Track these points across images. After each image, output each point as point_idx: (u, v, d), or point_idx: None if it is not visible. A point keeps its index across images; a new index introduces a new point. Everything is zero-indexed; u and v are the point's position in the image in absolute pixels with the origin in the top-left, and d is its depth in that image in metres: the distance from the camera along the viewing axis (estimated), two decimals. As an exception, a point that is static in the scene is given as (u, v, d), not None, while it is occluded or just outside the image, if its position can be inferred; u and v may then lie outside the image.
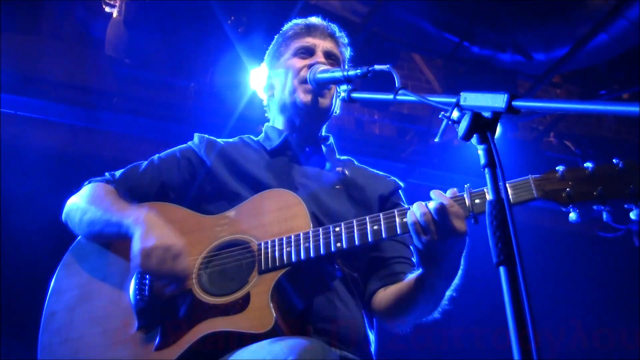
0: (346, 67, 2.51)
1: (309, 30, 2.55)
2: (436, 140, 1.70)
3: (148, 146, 6.60)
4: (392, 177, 2.56)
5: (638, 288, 6.99)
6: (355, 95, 2.10)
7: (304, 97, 2.40)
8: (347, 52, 2.62)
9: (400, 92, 1.83)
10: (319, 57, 2.46)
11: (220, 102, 6.44)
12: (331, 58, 2.50)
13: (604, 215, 1.79)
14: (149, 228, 2.10)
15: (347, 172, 2.48)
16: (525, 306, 1.25)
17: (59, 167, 5.95)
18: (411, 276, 2.19)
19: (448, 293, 2.18)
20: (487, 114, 1.44)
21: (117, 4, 5.56)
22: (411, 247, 2.34)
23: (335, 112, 2.56)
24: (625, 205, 1.75)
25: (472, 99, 1.48)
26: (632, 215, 1.71)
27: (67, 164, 6.07)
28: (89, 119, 6.25)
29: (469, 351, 6.72)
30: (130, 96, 6.26)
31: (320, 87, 2.36)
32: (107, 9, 5.65)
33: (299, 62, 2.47)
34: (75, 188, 2.43)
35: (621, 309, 7.58)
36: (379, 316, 2.34)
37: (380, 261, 2.35)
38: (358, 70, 2.09)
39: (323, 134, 2.60)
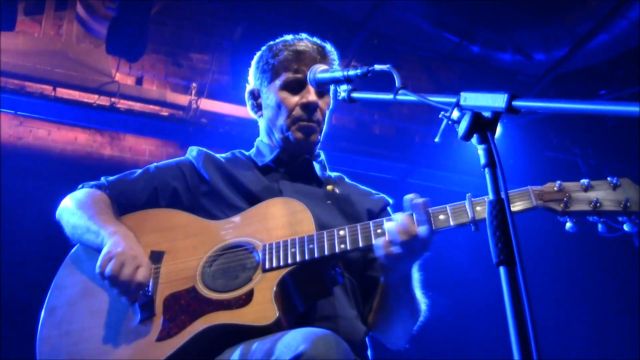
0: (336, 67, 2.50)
1: (299, 56, 2.47)
2: (436, 140, 1.68)
3: (148, 146, 6.60)
4: (381, 194, 2.59)
5: (638, 288, 6.99)
6: (355, 95, 2.09)
7: (296, 136, 2.44)
8: (337, 65, 2.55)
9: (400, 92, 1.82)
10: (311, 94, 2.43)
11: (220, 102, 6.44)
12: (321, 88, 2.38)
13: (599, 227, 1.90)
14: (122, 239, 2.19)
15: (337, 190, 2.52)
16: (525, 306, 1.25)
17: (59, 167, 5.95)
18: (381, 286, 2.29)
19: (418, 294, 2.24)
20: (487, 114, 1.43)
21: (117, 4, 5.56)
22: None
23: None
24: (619, 218, 1.87)
25: (472, 98, 1.47)
26: (626, 227, 1.84)
27: (67, 164, 6.07)
28: (90, 119, 6.25)
29: (468, 351, 6.72)
30: (130, 96, 6.26)
31: (320, 87, 2.36)
32: (107, 9, 5.65)
33: (290, 99, 2.45)
34: (74, 188, 2.45)
35: (621, 308, 7.58)
36: (375, 334, 2.39)
37: (374, 281, 2.39)
38: (358, 70, 2.08)
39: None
